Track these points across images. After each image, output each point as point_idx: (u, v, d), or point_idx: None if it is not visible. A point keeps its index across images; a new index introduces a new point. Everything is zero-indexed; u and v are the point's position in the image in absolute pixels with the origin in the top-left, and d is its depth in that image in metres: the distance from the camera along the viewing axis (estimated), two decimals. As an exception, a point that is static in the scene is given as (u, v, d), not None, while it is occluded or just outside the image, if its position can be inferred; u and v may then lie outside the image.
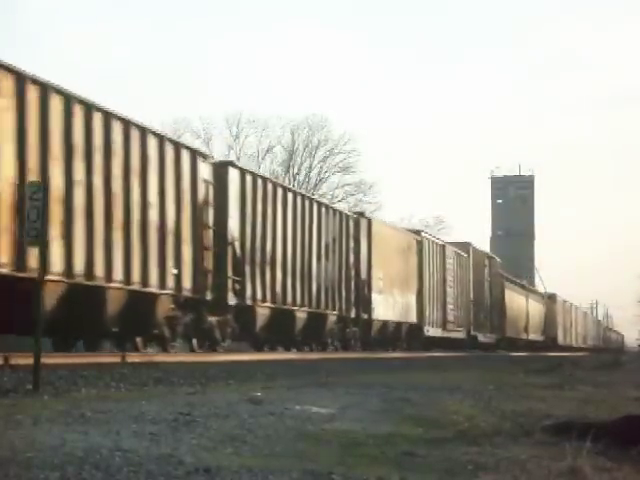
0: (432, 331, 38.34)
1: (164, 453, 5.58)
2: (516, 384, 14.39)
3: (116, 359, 15.41)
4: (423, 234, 38.75)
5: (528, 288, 65.78)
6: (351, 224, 29.59)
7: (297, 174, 64.64)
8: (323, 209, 27.45)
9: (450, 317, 41.14)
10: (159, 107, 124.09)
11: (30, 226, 9.41)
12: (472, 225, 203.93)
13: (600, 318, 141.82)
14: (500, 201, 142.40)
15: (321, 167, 67.47)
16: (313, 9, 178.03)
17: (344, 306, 28.81)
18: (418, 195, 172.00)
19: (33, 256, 13.73)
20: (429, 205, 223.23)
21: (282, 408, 8.31)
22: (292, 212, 25.00)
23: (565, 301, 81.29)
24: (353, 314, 29.68)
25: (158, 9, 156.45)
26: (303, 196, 26.64)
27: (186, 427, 6.76)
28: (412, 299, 36.05)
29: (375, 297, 31.46)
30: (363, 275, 30.37)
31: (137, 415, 7.20)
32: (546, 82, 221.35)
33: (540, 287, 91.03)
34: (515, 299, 58.43)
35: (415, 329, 36.50)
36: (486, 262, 50.25)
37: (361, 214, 32.14)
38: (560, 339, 74.09)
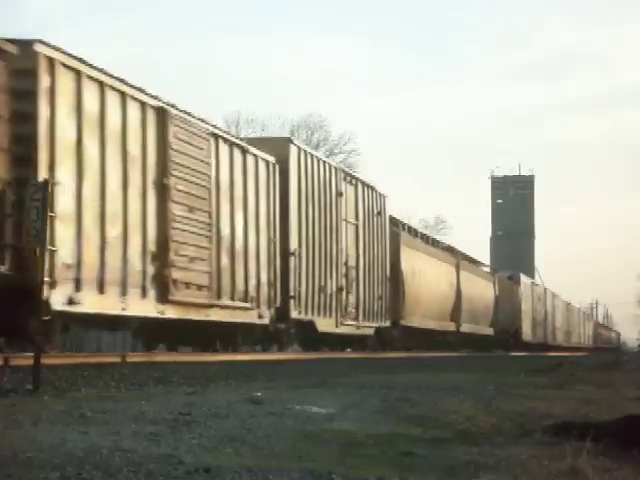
0: (91, 302, 14.77)
1: (164, 453, 5.58)
2: (516, 384, 14.38)
3: (116, 359, 15.40)
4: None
5: (461, 254, 43.65)
6: None
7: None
8: None
9: (185, 276, 17.59)
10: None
11: (30, 226, 9.40)
12: (472, 225, 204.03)
13: (600, 317, 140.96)
14: (500, 201, 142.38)
15: (321, 167, 67.47)
16: (314, 11, 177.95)
17: None
18: (418, 195, 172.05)
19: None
20: (429, 205, 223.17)
21: (282, 408, 8.30)
22: None
23: (535, 284, 63.80)
24: None
25: (158, 8, 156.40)
26: None
27: (186, 427, 6.76)
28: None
29: None
30: None
31: (137, 415, 7.19)
32: (546, 82, 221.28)
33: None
34: (428, 268, 35.63)
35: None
36: (344, 188, 26.16)
37: None
38: (527, 335, 55.77)
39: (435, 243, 40.38)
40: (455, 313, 39.88)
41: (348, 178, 27.28)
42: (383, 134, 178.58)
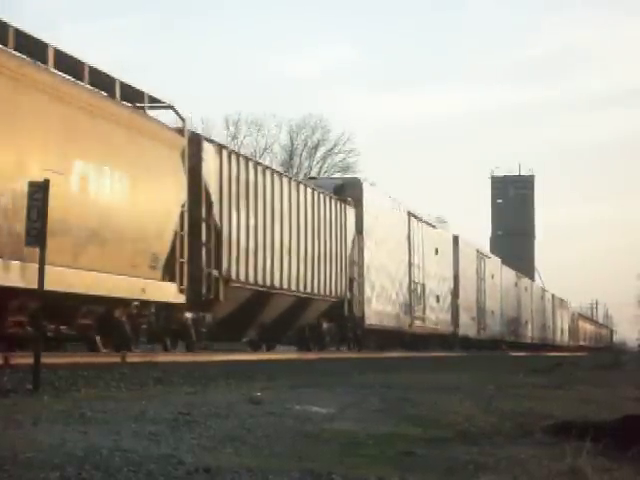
0: None
1: (164, 453, 5.58)
2: (515, 384, 14.38)
3: (116, 359, 15.40)
4: None
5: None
6: None
7: (297, 174, 64.67)
8: None
9: None
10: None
11: (30, 226, 9.40)
12: (472, 225, 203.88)
13: (600, 317, 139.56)
14: (500, 201, 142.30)
15: (320, 167, 67.49)
16: (313, 10, 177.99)
17: None
18: (418, 195, 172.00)
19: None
20: (429, 205, 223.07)
21: (282, 408, 8.31)
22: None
23: (425, 222, 35.20)
24: None
25: (157, 7, 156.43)
26: None
27: (186, 427, 6.76)
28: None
29: None
30: None
31: (137, 415, 7.20)
32: (546, 82, 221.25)
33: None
34: None
35: None
36: None
37: None
38: (377, 316, 29.35)
39: None
40: None
41: None
42: (383, 134, 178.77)
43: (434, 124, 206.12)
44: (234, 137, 66.13)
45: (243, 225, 20.96)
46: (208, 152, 19.54)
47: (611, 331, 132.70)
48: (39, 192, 9.43)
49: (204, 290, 19.13)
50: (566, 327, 74.11)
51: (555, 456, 6.24)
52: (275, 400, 8.93)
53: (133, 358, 15.88)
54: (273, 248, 22.48)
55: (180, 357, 18.37)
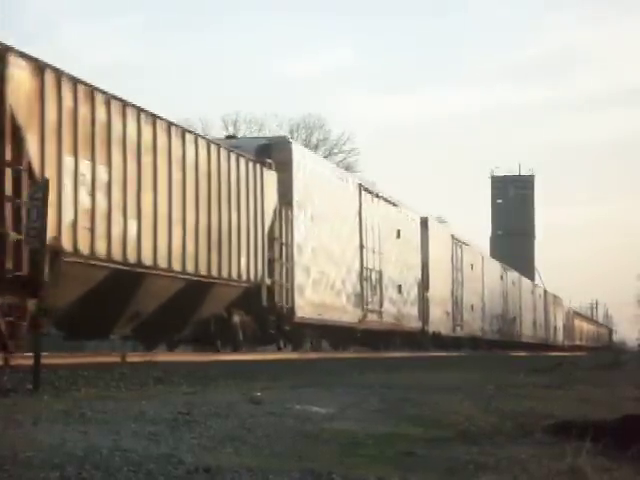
0: None
1: (164, 453, 5.58)
2: (516, 384, 14.39)
3: (116, 359, 15.41)
4: None
5: None
6: None
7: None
8: None
9: None
10: (158, 108, 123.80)
11: (30, 226, 9.41)
12: (472, 225, 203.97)
13: (600, 317, 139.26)
14: (500, 201, 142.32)
15: (320, 167, 67.35)
16: (313, 9, 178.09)
17: None
18: (418, 195, 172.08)
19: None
20: (429, 205, 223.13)
21: (282, 408, 8.31)
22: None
23: (378, 196, 29.70)
24: None
25: (155, 6, 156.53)
26: None
27: (186, 427, 6.77)
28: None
29: None
30: None
31: (137, 415, 7.20)
32: (546, 82, 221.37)
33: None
34: None
35: None
36: None
37: None
38: (301, 309, 23.51)
39: None
40: None
41: None
42: (383, 134, 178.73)
43: (434, 124, 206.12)
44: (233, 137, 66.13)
45: (86, 178, 14.91)
46: (18, 70, 13.57)
47: (610, 330, 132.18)
48: (39, 192, 9.43)
49: (10, 264, 13.19)
50: (560, 325, 69.82)
51: (555, 456, 6.24)
52: (275, 400, 8.93)
53: (133, 358, 15.91)
54: (141, 214, 16.37)
55: (180, 357, 18.41)
